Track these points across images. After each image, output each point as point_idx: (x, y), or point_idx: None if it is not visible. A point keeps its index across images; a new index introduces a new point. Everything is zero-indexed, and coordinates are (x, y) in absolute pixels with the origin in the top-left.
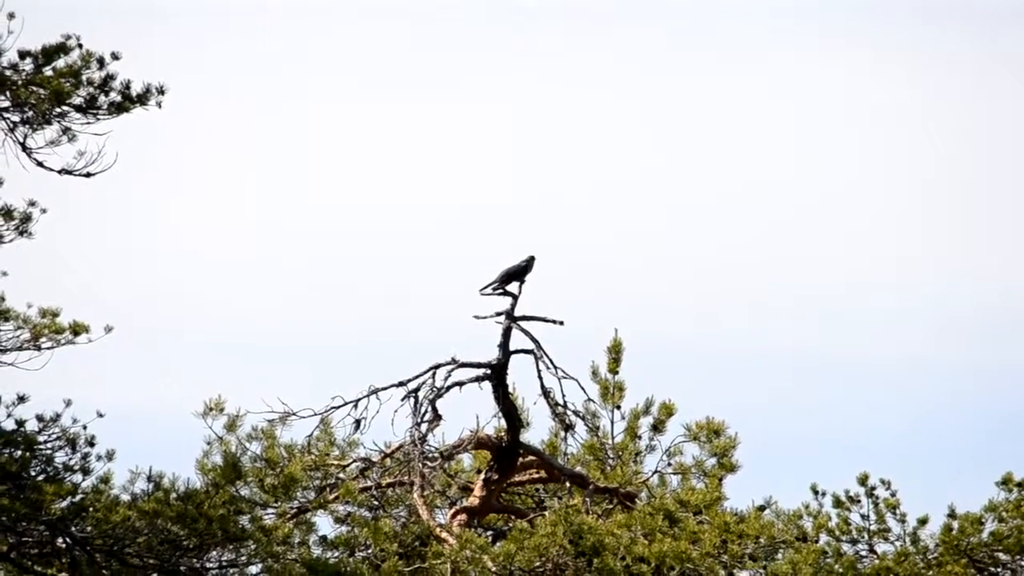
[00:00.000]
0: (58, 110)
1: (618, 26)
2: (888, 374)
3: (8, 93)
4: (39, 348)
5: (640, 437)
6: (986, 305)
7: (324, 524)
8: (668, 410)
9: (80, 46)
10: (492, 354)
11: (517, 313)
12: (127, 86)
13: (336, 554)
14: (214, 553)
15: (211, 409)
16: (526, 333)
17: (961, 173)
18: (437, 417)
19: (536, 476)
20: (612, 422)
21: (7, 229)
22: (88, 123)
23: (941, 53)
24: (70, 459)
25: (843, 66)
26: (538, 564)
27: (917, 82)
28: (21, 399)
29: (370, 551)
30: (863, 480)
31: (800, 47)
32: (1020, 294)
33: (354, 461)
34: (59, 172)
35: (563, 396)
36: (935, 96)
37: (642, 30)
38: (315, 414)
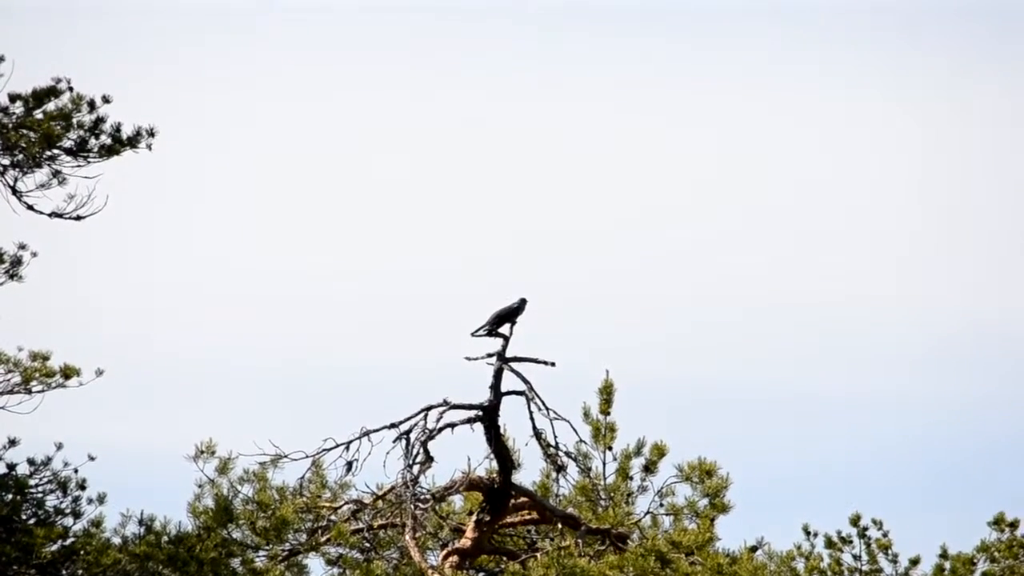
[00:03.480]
0: (48, 153)
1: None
2: (880, 412)
3: None
4: (30, 391)
5: (632, 478)
6: (975, 335)
7: (316, 566)
8: (660, 451)
9: (71, 89)
10: (484, 396)
11: (508, 354)
12: (118, 129)
13: None
14: None
15: (202, 452)
16: (518, 374)
17: (944, 205)
18: (429, 459)
19: (528, 517)
20: (604, 463)
21: None
22: (79, 166)
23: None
24: (61, 502)
25: (843, 97)
26: None
27: (911, 113)
28: (12, 442)
29: None
30: (855, 521)
31: (795, 83)
32: (1004, 325)
33: (346, 503)
34: (49, 215)
35: (555, 437)
36: (927, 130)
37: (642, 46)
38: (307, 456)
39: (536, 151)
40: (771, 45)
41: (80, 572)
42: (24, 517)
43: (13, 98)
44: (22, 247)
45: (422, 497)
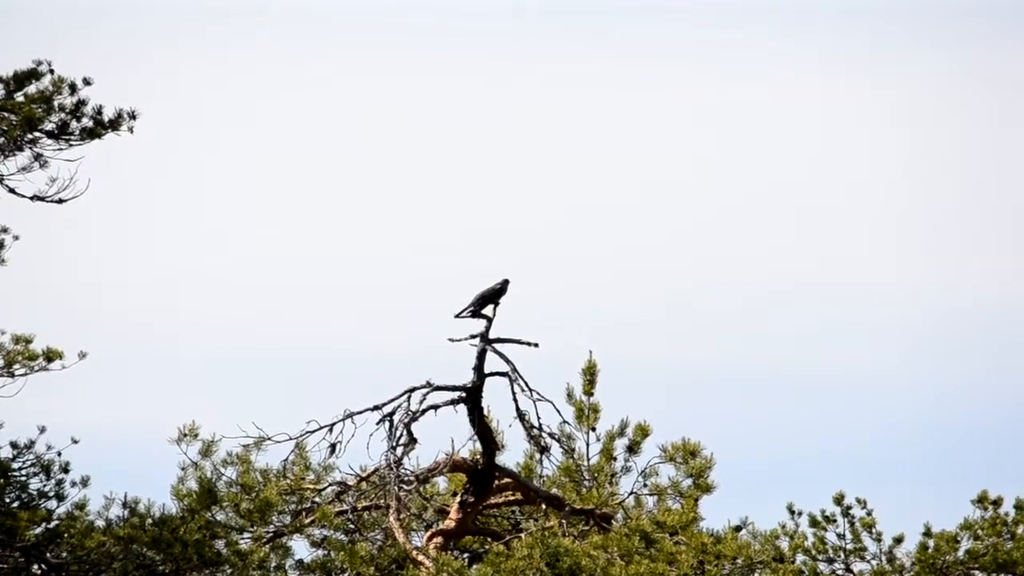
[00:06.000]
0: (29, 136)
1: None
2: (863, 391)
3: None
4: (12, 375)
5: (615, 458)
6: (970, 318)
7: (300, 548)
8: (643, 431)
9: (52, 71)
10: (467, 377)
11: (492, 336)
12: (99, 111)
13: None
14: None
15: (185, 435)
16: (501, 356)
17: (932, 189)
18: (412, 440)
19: (512, 498)
20: (587, 444)
21: None
22: (60, 149)
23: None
24: (44, 485)
25: (843, 77)
26: None
27: (901, 103)
28: None
29: (347, 575)
30: (839, 499)
31: (785, 65)
32: (988, 307)
33: (330, 485)
34: (31, 199)
35: (538, 418)
36: (915, 111)
37: (634, 39)
38: (290, 438)
39: (531, 130)
40: (771, 25)
41: (64, 555)
42: (7, 500)
43: None
44: (4, 230)
45: (406, 479)
